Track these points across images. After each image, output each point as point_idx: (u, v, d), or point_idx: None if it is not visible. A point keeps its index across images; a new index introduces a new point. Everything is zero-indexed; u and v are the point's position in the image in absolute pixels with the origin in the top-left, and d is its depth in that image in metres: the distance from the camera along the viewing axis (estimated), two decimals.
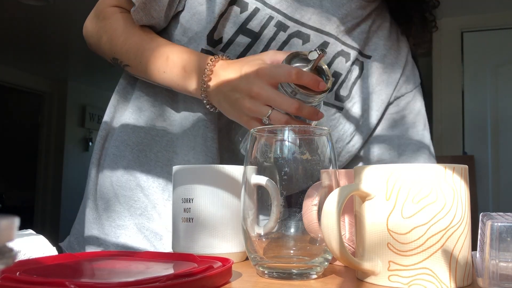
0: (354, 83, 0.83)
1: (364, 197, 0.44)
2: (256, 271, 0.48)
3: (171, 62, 0.74)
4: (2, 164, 5.54)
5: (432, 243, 0.41)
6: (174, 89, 0.76)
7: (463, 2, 3.09)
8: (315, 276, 0.46)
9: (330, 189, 0.46)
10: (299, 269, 0.46)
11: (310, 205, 0.48)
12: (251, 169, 0.48)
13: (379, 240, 0.43)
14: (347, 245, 0.53)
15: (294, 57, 0.66)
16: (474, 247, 0.46)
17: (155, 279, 0.37)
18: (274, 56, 0.68)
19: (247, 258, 0.57)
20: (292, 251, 0.47)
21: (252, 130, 0.49)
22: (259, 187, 0.47)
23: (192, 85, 0.72)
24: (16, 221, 0.23)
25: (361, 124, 0.84)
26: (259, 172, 0.47)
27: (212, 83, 0.70)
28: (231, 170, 0.56)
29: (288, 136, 0.47)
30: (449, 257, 0.42)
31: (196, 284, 0.39)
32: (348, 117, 0.83)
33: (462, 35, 3.34)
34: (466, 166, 0.45)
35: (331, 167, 0.47)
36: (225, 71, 0.69)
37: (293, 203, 0.47)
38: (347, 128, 0.83)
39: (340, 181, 0.54)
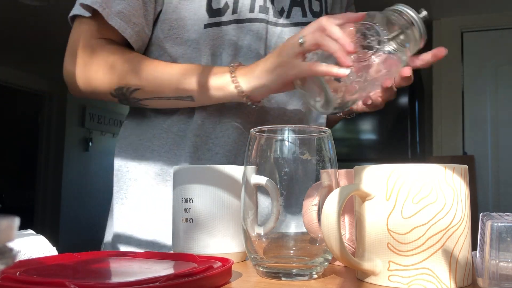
0: None
1: (364, 197, 0.44)
2: (256, 271, 0.48)
3: (199, 87, 0.72)
4: (2, 164, 5.54)
5: (432, 243, 0.41)
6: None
7: (463, 2, 3.09)
8: (315, 276, 0.46)
9: (330, 189, 0.46)
10: (299, 269, 0.46)
11: (310, 205, 0.48)
12: (251, 169, 0.48)
13: (379, 240, 0.43)
14: (347, 245, 0.53)
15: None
16: (474, 247, 0.46)
17: (155, 279, 0.37)
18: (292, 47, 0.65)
19: (247, 258, 0.57)
20: (292, 251, 0.47)
21: (252, 130, 0.49)
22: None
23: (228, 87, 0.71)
24: (16, 221, 0.23)
25: None
26: (259, 172, 0.47)
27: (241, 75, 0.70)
28: (231, 170, 0.56)
29: (288, 136, 0.47)
30: (449, 257, 0.42)
31: (196, 284, 0.39)
32: None
33: (462, 35, 3.33)
34: (466, 166, 0.45)
35: (331, 167, 0.47)
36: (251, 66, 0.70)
37: (293, 203, 0.47)
38: None
39: (340, 181, 0.54)
